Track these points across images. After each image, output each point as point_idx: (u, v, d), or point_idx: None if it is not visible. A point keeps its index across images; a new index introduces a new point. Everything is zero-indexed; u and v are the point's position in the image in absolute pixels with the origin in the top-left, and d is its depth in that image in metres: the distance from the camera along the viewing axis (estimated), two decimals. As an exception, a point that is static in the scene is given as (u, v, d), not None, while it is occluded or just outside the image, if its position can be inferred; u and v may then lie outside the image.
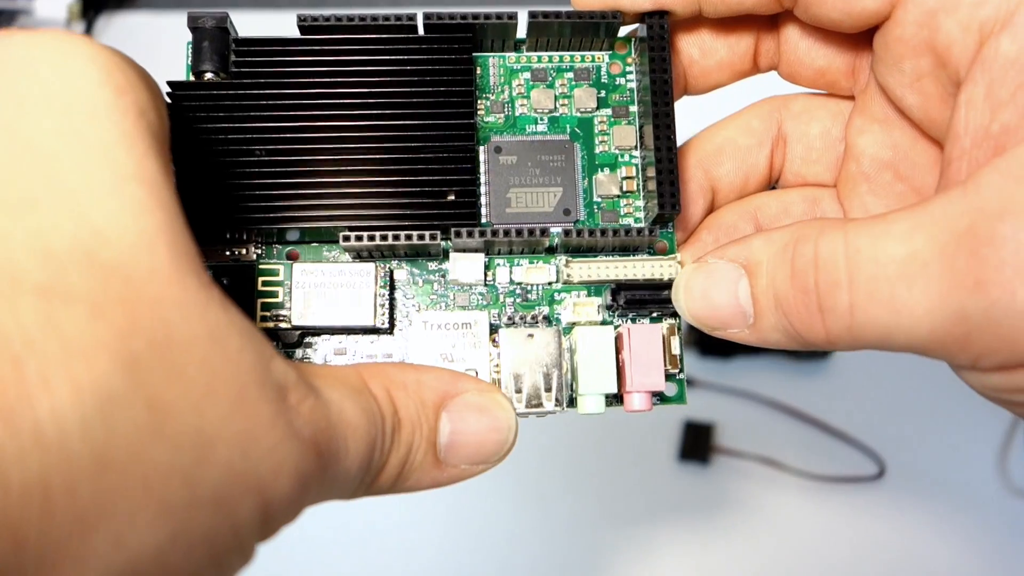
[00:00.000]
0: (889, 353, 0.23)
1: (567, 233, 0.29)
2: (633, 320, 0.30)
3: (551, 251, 0.30)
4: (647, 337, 0.28)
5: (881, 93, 0.29)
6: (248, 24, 0.32)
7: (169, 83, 0.28)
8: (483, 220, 0.30)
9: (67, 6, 0.65)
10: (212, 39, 0.30)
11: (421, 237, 0.28)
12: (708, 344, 0.61)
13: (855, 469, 0.60)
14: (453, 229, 0.28)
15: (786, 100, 0.33)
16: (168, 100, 0.28)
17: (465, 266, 0.29)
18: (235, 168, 0.28)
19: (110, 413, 0.16)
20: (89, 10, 0.67)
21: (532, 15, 0.30)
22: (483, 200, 0.30)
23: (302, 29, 0.29)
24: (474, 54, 0.32)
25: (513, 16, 0.30)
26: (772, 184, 0.33)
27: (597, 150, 0.32)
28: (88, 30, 0.66)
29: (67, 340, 0.17)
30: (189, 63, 0.30)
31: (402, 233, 0.28)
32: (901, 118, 0.29)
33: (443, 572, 0.59)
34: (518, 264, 0.30)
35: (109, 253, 0.18)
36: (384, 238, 0.28)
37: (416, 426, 0.24)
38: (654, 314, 0.30)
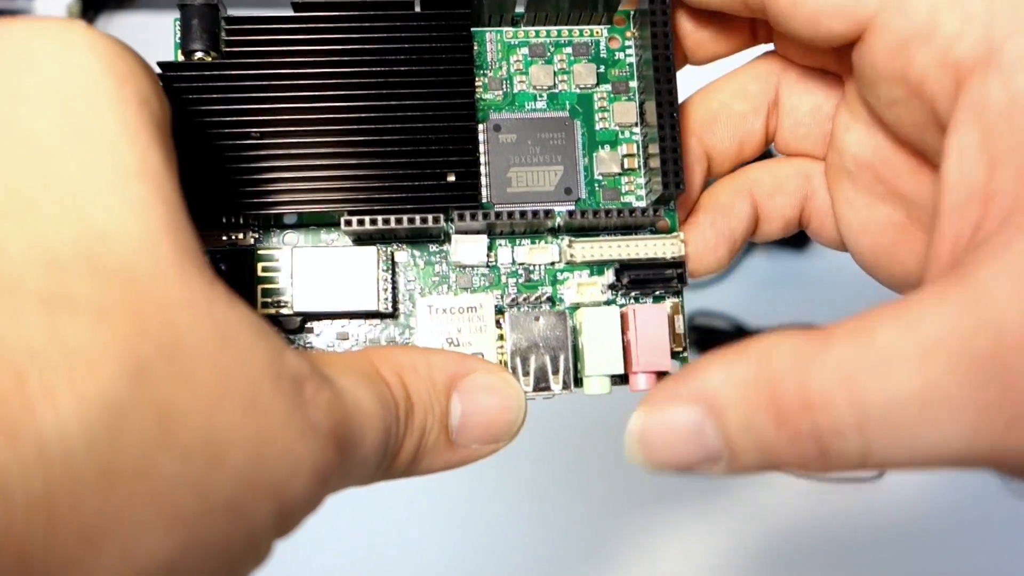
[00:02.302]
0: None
1: (571, 214, 0.28)
2: (637, 299, 0.30)
3: (554, 231, 0.30)
4: (653, 318, 0.28)
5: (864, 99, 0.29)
6: (240, 8, 0.31)
7: (159, 64, 0.28)
8: (484, 200, 0.30)
9: (67, 6, 0.63)
10: (201, 17, 0.29)
11: (424, 220, 0.27)
12: (707, 344, 0.61)
13: (855, 470, 0.60)
14: (456, 212, 0.28)
15: (785, 65, 0.32)
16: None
17: (468, 248, 0.29)
18: (229, 151, 0.28)
19: (116, 423, 0.16)
20: (89, 10, 0.65)
21: (531, -10, 0.29)
22: (484, 180, 0.30)
23: (295, 6, 0.29)
24: (472, 29, 0.31)
25: (512, -9, 0.29)
26: (767, 147, 0.32)
27: (597, 127, 0.31)
28: (88, 31, 0.64)
29: (71, 350, 0.16)
30: (178, 41, 0.29)
31: (404, 216, 0.27)
32: (883, 125, 0.28)
33: (436, 567, 0.58)
34: (520, 244, 0.30)
35: (112, 256, 0.17)
36: (386, 222, 0.27)
37: (428, 409, 0.24)
38: (657, 292, 0.30)
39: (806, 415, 0.20)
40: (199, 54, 0.29)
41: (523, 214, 0.28)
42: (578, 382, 0.29)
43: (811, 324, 0.71)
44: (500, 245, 0.30)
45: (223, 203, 0.28)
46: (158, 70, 0.28)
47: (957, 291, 0.19)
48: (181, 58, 0.29)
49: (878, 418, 0.19)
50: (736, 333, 0.61)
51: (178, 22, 0.29)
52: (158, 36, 0.65)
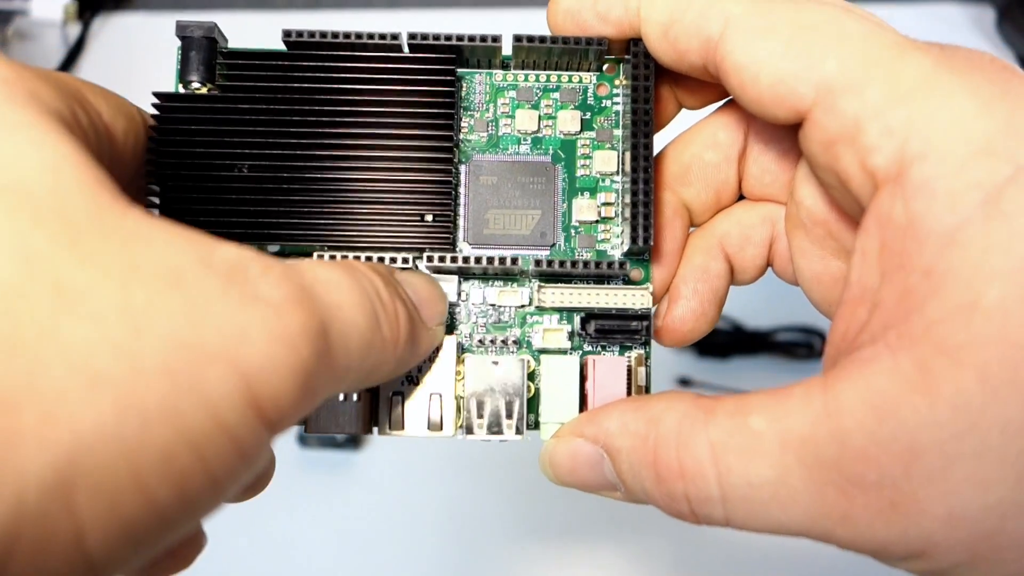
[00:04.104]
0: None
1: (538, 263, 0.29)
2: (603, 348, 0.31)
3: (525, 276, 0.31)
4: (611, 369, 0.29)
5: None
6: (241, 27, 0.32)
7: (155, 94, 0.29)
8: (460, 239, 0.31)
9: (63, 7, 0.64)
10: (200, 49, 0.30)
11: (393, 260, 0.28)
12: (705, 344, 0.61)
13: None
14: (426, 254, 0.29)
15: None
16: (155, 111, 0.29)
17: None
18: (218, 182, 0.29)
19: (8, 301, 0.16)
20: (86, 11, 0.66)
21: (516, 39, 0.30)
22: (461, 221, 0.31)
23: (288, 45, 0.30)
24: (460, 70, 0.32)
25: (498, 39, 0.30)
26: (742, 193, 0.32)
27: (578, 173, 0.32)
28: (85, 31, 0.66)
29: None
30: (179, 68, 0.31)
31: (375, 256, 0.28)
32: None
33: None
34: (492, 286, 0.31)
35: (5, 176, 0.18)
36: (357, 259, 0.28)
37: (395, 289, 0.25)
38: (623, 343, 0.31)
39: (679, 481, 0.23)
40: (196, 84, 0.30)
41: (491, 260, 0.29)
42: (538, 424, 0.30)
43: (806, 326, 0.69)
44: (472, 284, 0.31)
45: (209, 229, 0.29)
46: (155, 100, 0.29)
47: (820, 399, 0.22)
48: (181, 88, 0.30)
49: (738, 496, 0.22)
50: (735, 333, 0.61)
51: (179, 50, 0.30)
52: (155, 37, 0.66)
